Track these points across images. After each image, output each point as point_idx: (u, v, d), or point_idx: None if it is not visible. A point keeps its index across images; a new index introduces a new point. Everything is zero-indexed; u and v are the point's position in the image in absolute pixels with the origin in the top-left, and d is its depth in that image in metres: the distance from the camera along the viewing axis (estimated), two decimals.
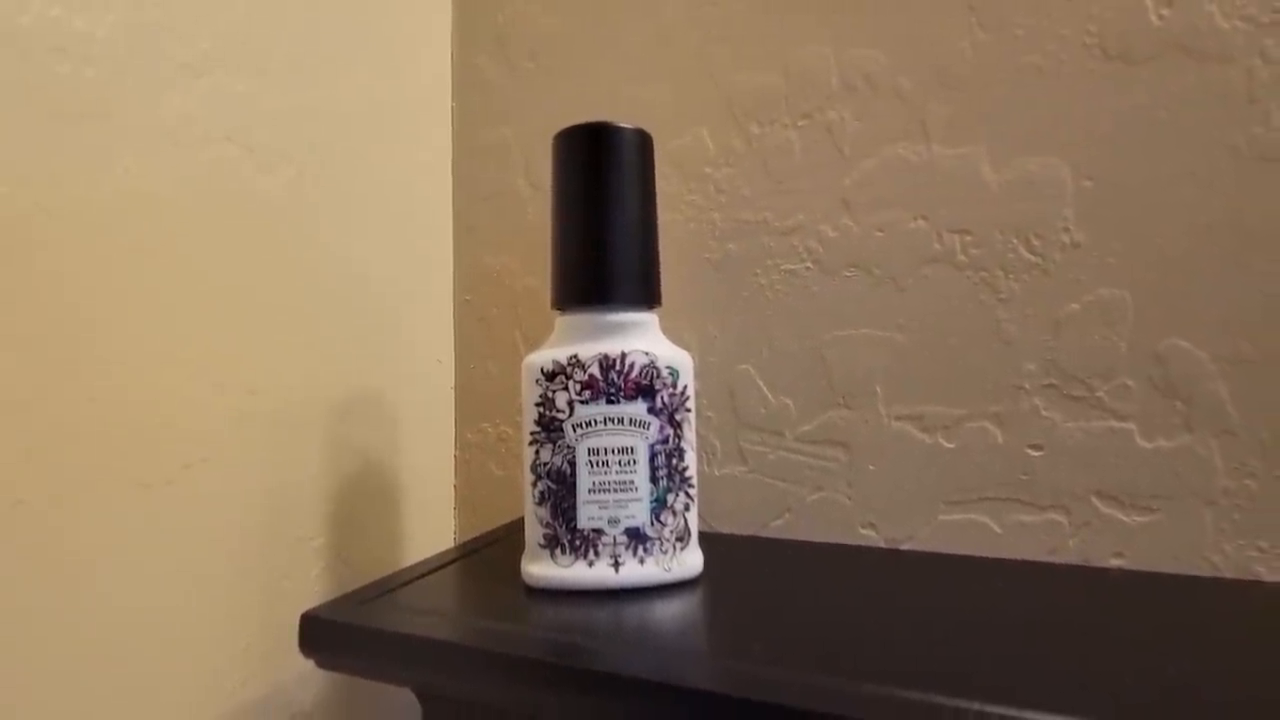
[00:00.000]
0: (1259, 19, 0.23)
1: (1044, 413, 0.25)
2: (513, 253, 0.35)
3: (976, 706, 0.15)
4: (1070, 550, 0.25)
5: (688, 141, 0.31)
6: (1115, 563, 0.24)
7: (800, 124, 0.29)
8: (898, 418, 0.27)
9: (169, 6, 0.23)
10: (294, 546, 0.27)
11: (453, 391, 0.36)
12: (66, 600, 0.20)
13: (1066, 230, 0.25)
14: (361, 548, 0.30)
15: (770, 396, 0.30)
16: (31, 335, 0.19)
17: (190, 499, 0.23)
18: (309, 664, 0.27)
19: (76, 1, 0.20)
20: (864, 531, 0.28)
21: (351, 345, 0.30)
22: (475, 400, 0.36)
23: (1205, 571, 0.23)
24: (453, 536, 0.36)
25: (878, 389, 0.28)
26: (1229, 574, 0.23)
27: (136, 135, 0.22)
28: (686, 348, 0.30)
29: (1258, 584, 0.23)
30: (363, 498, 0.30)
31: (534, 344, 0.34)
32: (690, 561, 0.24)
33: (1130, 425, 0.24)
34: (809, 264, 0.29)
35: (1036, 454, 0.25)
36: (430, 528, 0.34)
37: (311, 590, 0.28)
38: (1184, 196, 0.24)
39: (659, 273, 0.25)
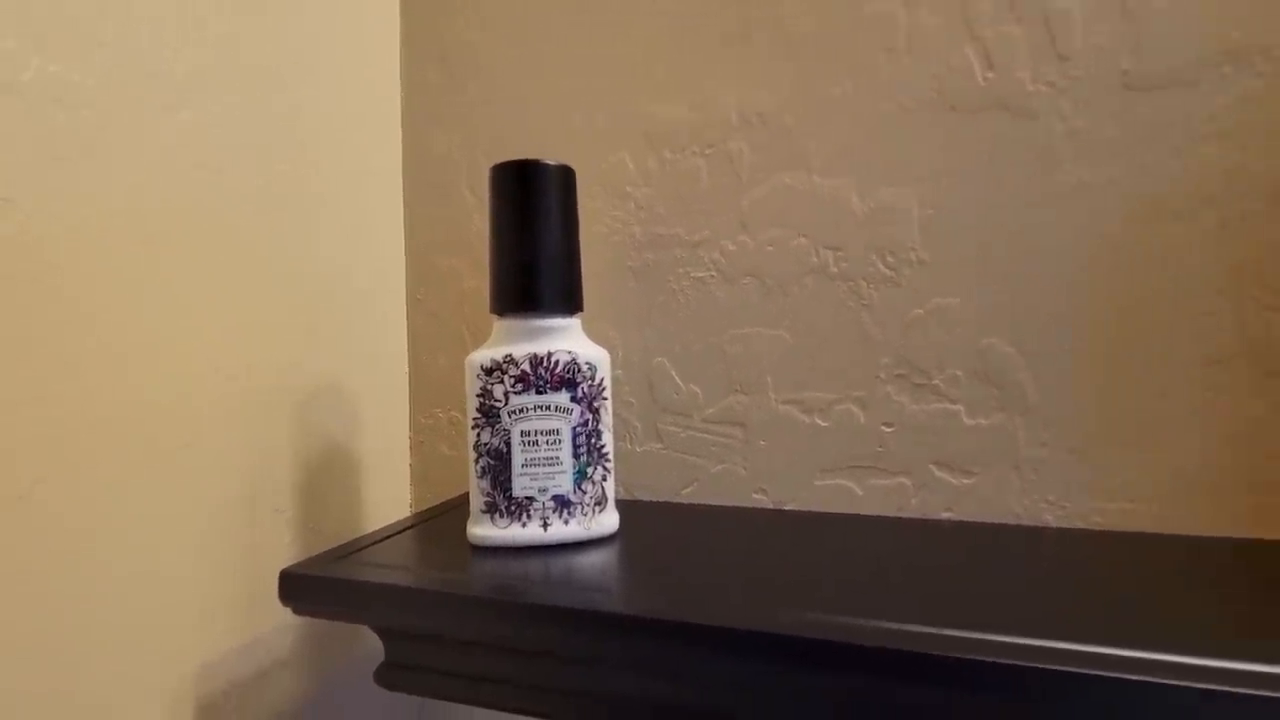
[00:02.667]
0: (1058, 84, 0.29)
1: (895, 397, 0.31)
2: (459, 255, 0.39)
3: (832, 619, 0.21)
4: (913, 507, 0.31)
5: (612, 164, 0.36)
6: (946, 515, 0.31)
7: (706, 152, 0.34)
8: (784, 402, 0.33)
9: (145, 53, 0.26)
10: (270, 517, 0.31)
11: (407, 380, 0.41)
12: (77, 564, 0.24)
13: (913, 250, 0.31)
14: (328, 518, 0.34)
15: (681, 385, 0.35)
16: (47, 345, 0.23)
17: (182, 477, 0.27)
18: (285, 616, 0.31)
19: (69, 56, 0.24)
20: (756, 496, 0.34)
21: (317, 341, 0.34)
22: (427, 388, 0.40)
23: (1010, 520, 0.30)
24: (409, 507, 0.41)
25: (768, 378, 0.33)
26: (1027, 522, 0.30)
27: (125, 166, 0.25)
28: (611, 344, 0.36)
29: (1046, 528, 0.29)
30: (328, 474, 0.35)
31: (478, 337, 0.38)
32: (607, 522, 0.29)
33: (959, 407, 0.30)
34: (713, 273, 0.34)
35: (889, 430, 0.31)
36: (388, 500, 0.39)
37: (285, 554, 0.32)
38: (1003, 224, 0.30)
39: (580, 285, 0.29)
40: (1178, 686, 0.17)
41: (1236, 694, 0.16)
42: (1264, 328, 0.26)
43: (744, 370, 0.34)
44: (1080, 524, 0.29)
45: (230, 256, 0.30)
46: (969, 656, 0.18)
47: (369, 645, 0.37)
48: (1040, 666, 0.18)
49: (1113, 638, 0.19)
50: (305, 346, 0.33)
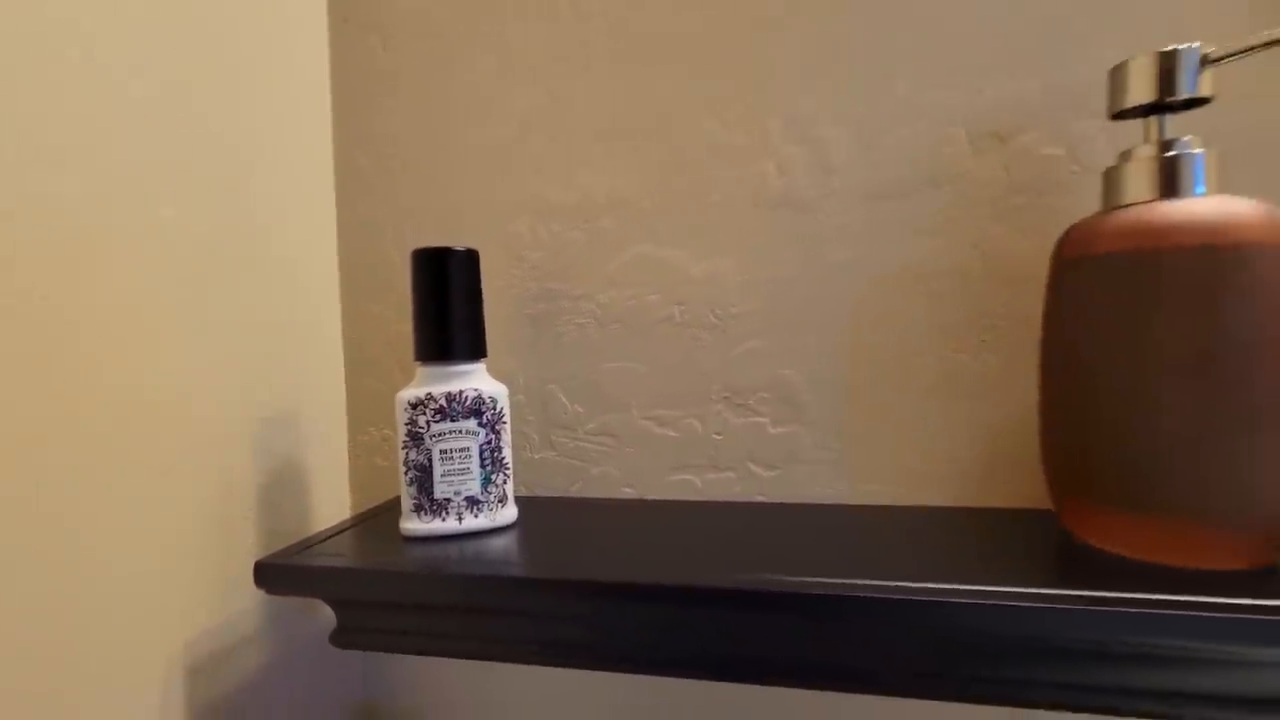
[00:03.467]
0: (826, 190, 0.40)
1: (722, 414, 0.42)
2: (386, 303, 0.48)
3: (681, 572, 0.31)
4: (738, 494, 0.42)
5: (511, 233, 0.45)
6: (759, 498, 0.42)
7: (583, 226, 0.44)
8: (644, 418, 0.44)
9: (122, 146, 0.34)
10: (239, 521, 0.39)
11: (345, 406, 0.49)
12: (82, 562, 0.32)
13: (733, 305, 0.42)
14: (284, 519, 0.42)
15: (568, 405, 0.45)
16: (51, 372, 0.30)
17: (168, 490, 0.35)
18: (252, 601, 0.40)
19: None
20: (625, 490, 0.44)
21: (271, 377, 0.42)
22: (362, 411, 0.49)
23: (802, 500, 0.41)
24: (349, 510, 0.49)
25: (632, 401, 0.44)
26: (813, 501, 0.41)
27: (124, 242, 0.33)
28: (513, 373, 0.45)
29: (826, 504, 0.41)
30: (283, 484, 0.43)
31: (403, 368, 0.47)
32: (508, 514, 0.39)
33: (765, 420, 0.42)
34: (590, 320, 0.44)
35: (719, 438, 0.43)
36: (332, 504, 0.47)
37: (251, 550, 0.40)
38: (792, 287, 0.41)
39: (484, 337, 0.39)
40: (922, 601, 0.27)
41: (954, 603, 0.27)
42: (956, 366, 0.39)
43: (614, 394, 0.44)
44: (849, 501, 0.41)
45: (200, 314, 0.37)
46: (780, 590, 0.29)
47: (320, 620, 0.45)
48: (824, 594, 0.28)
49: (874, 573, 0.30)
50: (263, 383, 0.41)
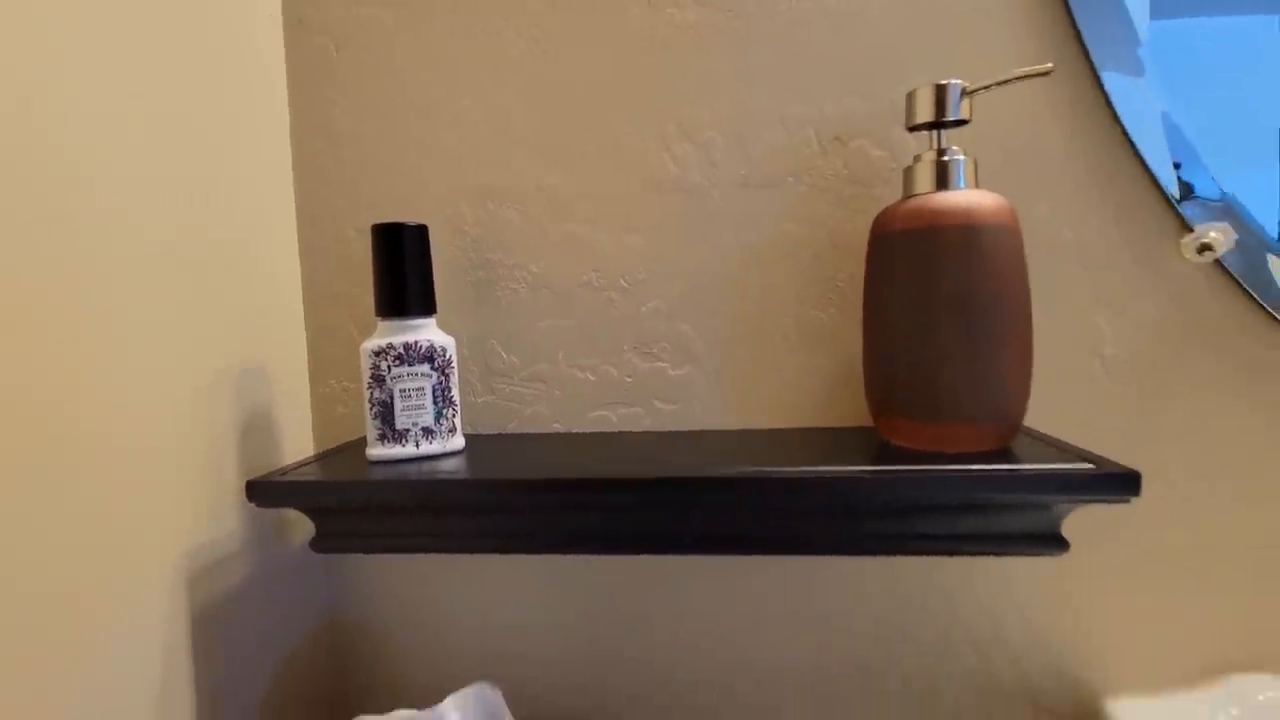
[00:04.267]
0: (711, 180, 0.50)
1: (632, 361, 0.52)
2: (344, 275, 0.55)
3: (604, 474, 0.41)
4: (646, 424, 0.52)
5: (457, 210, 0.53)
6: (663, 426, 0.52)
7: (517, 207, 0.53)
8: (569, 366, 0.53)
9: (102, 144, 0.40)
10: (221, 458, 0.46)
11: (307, 363, 0.56)
12: (95, 490, 0.38)
13: (639, 273, 0.52)
14: (258, 458, 0.49)
15: (505, 357, 0.54)
16: (45, 367, 0.37)
17: (169, 440, 0.42)
18: (237, 524, 0.47)
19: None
20: (555, 425, 0.54)
21: (242, 337, 0.49)
22: (323, 366, 0.56)
23: (696, 428, 0.52)
24: (312, 451, 0.56)
25: (559, 352, 0.53)
26: (705, 428, 0.52)
27: (116, 225, 0.39)
28: (457, 331, 0.53)
29: (715, 430, 0.51)
30: (255, 428, 0.50)
31: (360, 329, 0.54)
32: (457, 442, 0.47)
33: (666, 364, 0.52)
34: (525, 286, 0.53)
35: (629, 380, 0.52)
36: (297, 447, 0.54)
37: (233, 481, 0.47)
38: (686, 258, 0.51)
39: (434, 296, 0.47)
40: (783, 478, 0.38)
41: (808, 478, 0.38)
42: (809, 320, 0.50)
43: (544, 347, 0.53)
44: (733, 426, 0.52)
45: (180, 287, 0.44)
46: (679, 475, 0.39)
47: (294, 544, 0.53)
48: (713, 476, 0.39)
49: (753, 463, 0.40)
50: (235, 343, 0.48)
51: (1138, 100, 0.46)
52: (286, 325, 0.54)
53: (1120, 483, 0.35)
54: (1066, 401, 0.48)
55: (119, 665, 0.38)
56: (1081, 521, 0.47)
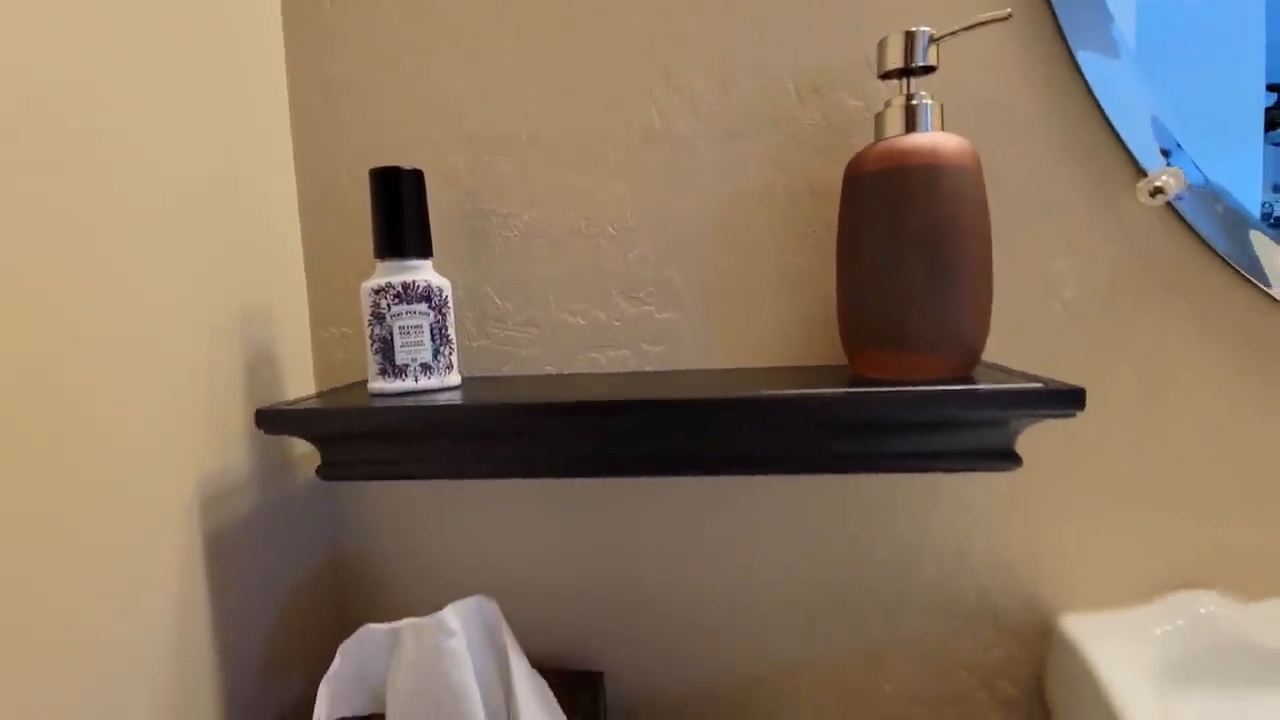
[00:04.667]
0: (696, 130, 0.53)
1: (620, 306, 0.55)
2: (341, 220, 0.57)
3: (595, 398, 0.43)
4: (633, 365, 0.55)
5: (452, 162, 0.55)
6: (650, 367, 0.55)
7: (509, 159, 0.55)
8: (560, 311, 0.55)
9: (113, 98, 0.42)
10: (229, 395, 0.48)
11: (308, 309, 0.58)
12: (114, 426, 0.41)
13: (627, 221, 0.54)
14: (263, 397, 0.52)
15: (499, 303, 0.56)
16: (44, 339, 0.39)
17: (184, 379, 0.44)
18: (244, 456, 0.49)
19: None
20: (547, 368, 0.56)
21: (246, 284, 0.51)
22: (323, 313, 0.58)
23: (681, 367, 0.55)
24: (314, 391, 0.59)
25: (550, 297, 0.55)
26: (690, 367, 0.55)
27: (123, 175, 0.41)
28: (453, 277, 0.56)
29: (699, 369, 0.54)
30: (260, 369, 0.52)
31: (358, 273, 0.56)
32: (454, 379, 0.50)
33: (652, 309, 0.54)
34: (516, 234, 0.55)
35: (617, 324, 0.55)
36: (300, 388, 0.57)
37: (241, 418, 0.49)
38: (672, 206, 0.53)
39: (430, 239, 0.49)
40: (766, 399, 0.41)
41: (788, 398, 0.41)
42: (788, 265, 0.53)
43: (537, 293, 0.56)
44: (716, 365, 0.54)
45: (186, 234, 0.46)
46: (666, 398, 0.42)
47: (297, 481, 0.55)
48: (700, 398, 0.42)
49: (734, 391, 0.43)
50: (240, 290, 0.50)
51: (1105, 68, 0.49)
52: (288, 272, 0.56)
53: (1066, 398, 0.38)
54: (1029, 340, 0.51)
55: (140, 585, 0.41)
56: (1039, 449, 0.51)
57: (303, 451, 0.57)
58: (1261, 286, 0.49)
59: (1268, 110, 0.51)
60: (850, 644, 0.55)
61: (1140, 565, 0.52)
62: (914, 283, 0.43)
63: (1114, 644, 0.49)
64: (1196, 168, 0.49)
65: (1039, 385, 0.39)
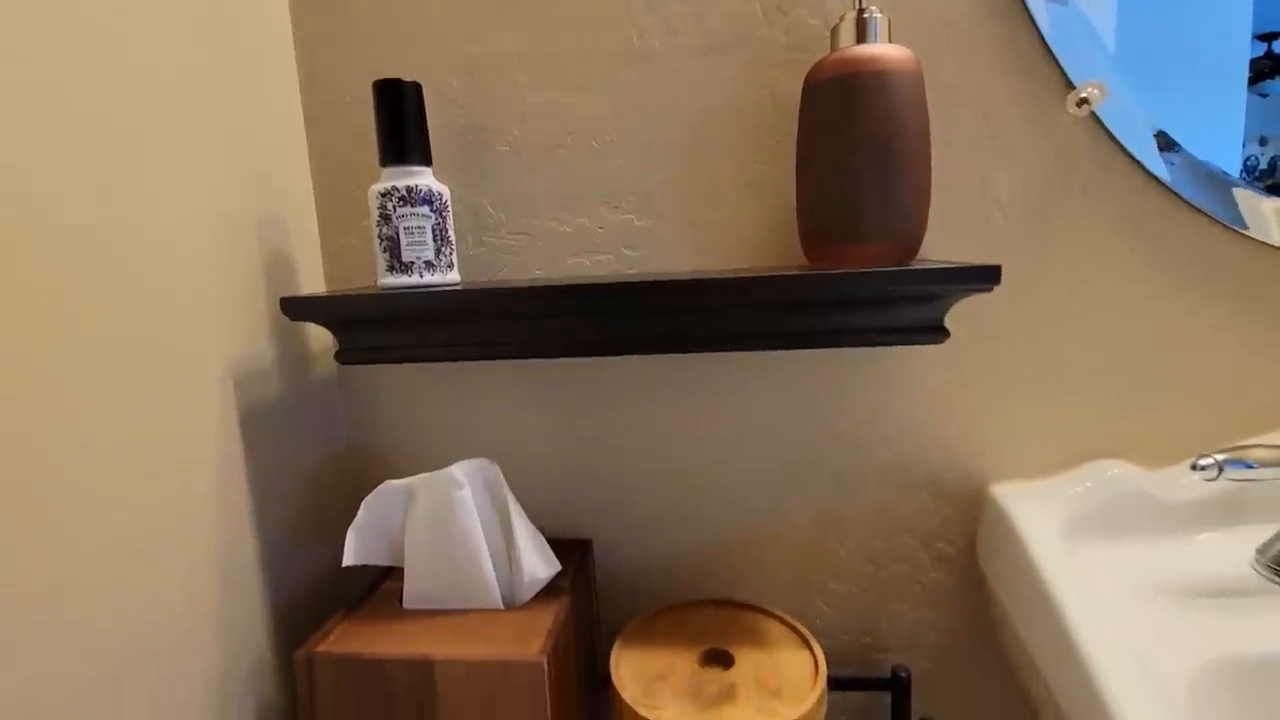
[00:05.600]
0: (672, 48, 0.57)
1: (603, 214, 0.60)
2: (345, 138, 0.62)
3: (586, 280, 0.49)
4: (616, 269, 0.61)
5: (447, 81, 0.60)
6: (630, 271, 0.61)
7: (500, 80, 0.59)
8: (549, 220, 0.61)
9: (116, 33, 0.46)
10: (253, 286, 0.54)
11: (316, 222, 0.63)
12: (154, 311, 0.46)
13: (609, 135, 0.59)
14: (281, 293, 0.57)
15: (493, 213, 0.61)
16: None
17: (199, 262, 0.49)
18: (266, 344, 0.55)
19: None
20: (537, 272, 0.62)
21: (258, 196, 0.56)
22: (331, 223, 0.63)
23: (660, 272, 0.60)
24: None
25: (540, 205, 0.61)
26: (667, 269, 0.60)
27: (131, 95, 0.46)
28: (450, 191, 0.61)
29: (677, 275, 0.60)
30: (277, 271, 0.57)
31: (363, 182, 0.61)
32: (455, 277, 0.55)
33: (632, 216, 0.60)
34: (507, 148, 0.60)
35: (601, 231, 0.61)
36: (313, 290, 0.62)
37: (263, 310, 0.55)
38: (651, 119, 0.58)
39: (430, 149, 0.54)
40: (737, 279, 0.47)
41: (761, 279, 0.47)
42: (756, 173, 0.58)
43: (528, 202, 0.61)
44: (686, 271, 0.60)
45: (203, 150, 0.51)
46: (650, 279, 0.48)
47: (312, 375, 0.61)
48: (682, 280, 0.48)
49: (708, 274, 0.49)
50: (253, 201, 0.55)
51: None
52: (297, 184, 0.61)
53: (985, 273, 0.45)
54: (967, 240, 0.57)
55: (189, 444, 0.47)
56: (975, 340, 0.58)
57: (318, 349, 0.63)
58: (1174, 190, 0.55)
59: (1254, 61, 0.54)
60: (810, 512, 0.63)
61: (1060, 441, 0.60)
62: (863, 180, 0.49)
63: (1032, 504, 0.57)
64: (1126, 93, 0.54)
65: (964, 264, 0.45)
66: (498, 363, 0.64)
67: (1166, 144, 0.55)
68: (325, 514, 0.63)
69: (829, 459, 0.62)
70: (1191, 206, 0.56)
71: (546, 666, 0.44)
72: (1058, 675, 0.46)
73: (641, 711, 0.45)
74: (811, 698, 0.46)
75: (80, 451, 0.40)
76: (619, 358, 0.62)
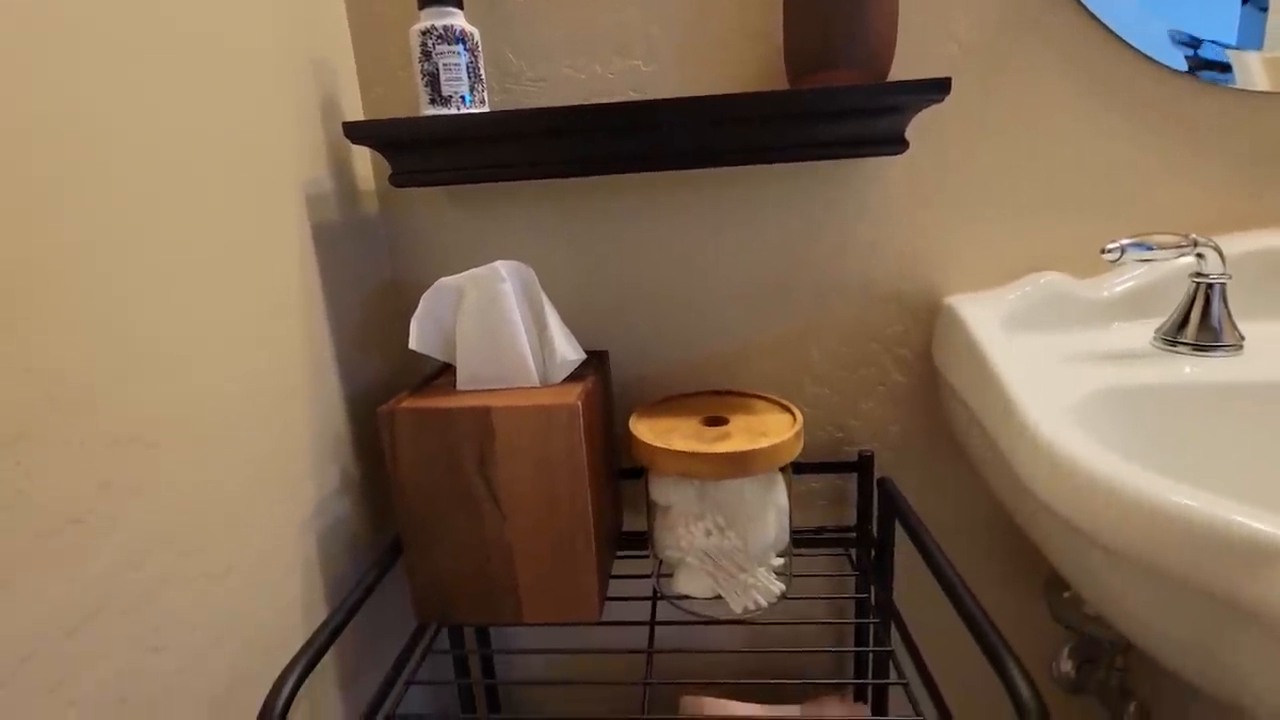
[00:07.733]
0: None
1: (613, 60, 0.68)
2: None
3: (608, 99, 0.58)
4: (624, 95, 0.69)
5: None
6: (632, 95, 0.69)
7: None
8: (565, 67, 0.69)
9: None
10: (311, 130, 0.62)
11: (355, 72, 0.71)
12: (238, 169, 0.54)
13: (644, 63, 0.66)
14: (330, 135, 0.66)
15: (515, 61, 0.69)
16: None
17: (276, 103, 0.57)
18: (331, 170, 0.64)
19: None
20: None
21: (311, 46, 0.63)
22: (369, 73, 0.71)
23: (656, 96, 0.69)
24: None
25: (556, 54, 0.68)
26: (683, 96, 0.69)
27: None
28: (479, 39, 0.68)
29: (701, 95, 0.69)
30: (329, 111, 0.65)
31: (400, 31, 0.69)
32: (485, 108, 0.64)
33: (639, 61, 0.68)
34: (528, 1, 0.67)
35: (612, 76, 0.69)
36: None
37: (326, 141, 0.63)
38: (709, 37, 0.66)
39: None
40: (731, 97, 0.56)
41: (746, 97, 0.56)
42: (752, 25, 0.66)
43: (544, 51, 0.69)
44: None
45: (270, 8, 0.58)
46: (662, 99, 0.57)
47: (360, 211, 0.70)
48: (686, 98, 0.56)
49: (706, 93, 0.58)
50: (310, 47, 0.63)
51: None
52: (338, 38, 0.68)
53: (936, 85, 0.54)
54: (929, 71, 0.66)
55: (273, 259, 0.57)
56: (934, 168, 0.67)
57: (364, 189, 0.71)
58: (1113, 31, 0.64)
59: None
60: (790, 323, 0.74)
61: (1006, 257, 0.71)
62: (839, 11, 0.57)
63: (979, 307, 0.68)
64: None
65: (920, 78, 0.54)
66: (522, 204, 0.73)
67: None
68: (378, 335, 0.74)
69: (806, 275, 0.72)
70: (1124, 43, 0.64)
71: (582, 409, 0.55)
72: (990, 417, 0.58)
73: (657, 443, 0.57)
74: (790, 433, 0.58)
75: (193, 265, 0.49)
76: (630, 199, 0.71)
